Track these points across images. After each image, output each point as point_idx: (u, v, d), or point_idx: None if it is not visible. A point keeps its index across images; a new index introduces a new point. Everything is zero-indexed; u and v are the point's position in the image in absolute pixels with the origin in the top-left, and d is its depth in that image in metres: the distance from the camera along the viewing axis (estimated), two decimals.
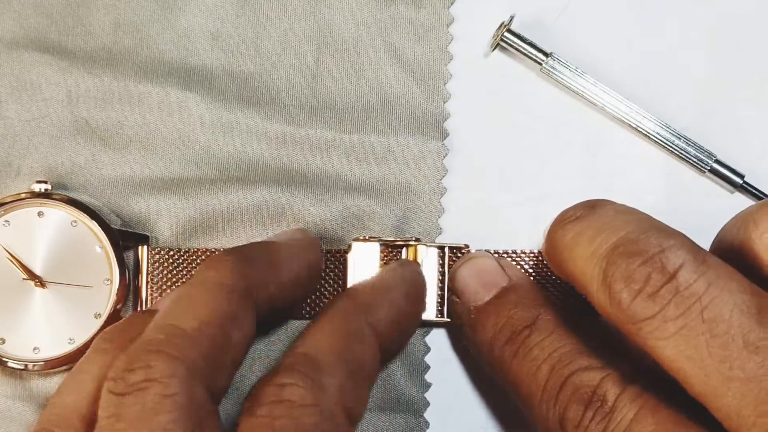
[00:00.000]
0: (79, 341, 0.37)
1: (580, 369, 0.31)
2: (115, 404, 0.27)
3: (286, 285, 0.33)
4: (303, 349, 0.30)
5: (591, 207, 0.32)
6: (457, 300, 0.36)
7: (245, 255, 0.32)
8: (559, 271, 0.34)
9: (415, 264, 0.36)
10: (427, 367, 0.38)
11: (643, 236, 0.29)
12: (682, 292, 0.27)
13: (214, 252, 0.38)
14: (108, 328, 0.33)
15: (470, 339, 0.36)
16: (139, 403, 0.26)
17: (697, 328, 0.27)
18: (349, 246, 0.37)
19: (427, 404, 0.38)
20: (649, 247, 0.28)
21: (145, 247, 0.38)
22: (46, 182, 0.37)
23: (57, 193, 0.37)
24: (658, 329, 0.28)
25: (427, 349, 0.38)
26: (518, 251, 0.38)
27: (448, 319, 0.37)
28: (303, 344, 0.30)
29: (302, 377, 0.28)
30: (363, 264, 0.37)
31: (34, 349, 0.37)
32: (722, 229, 0.33)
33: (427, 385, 0.38)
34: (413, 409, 0.38)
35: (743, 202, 0.38)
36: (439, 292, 0.37)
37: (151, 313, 0.32)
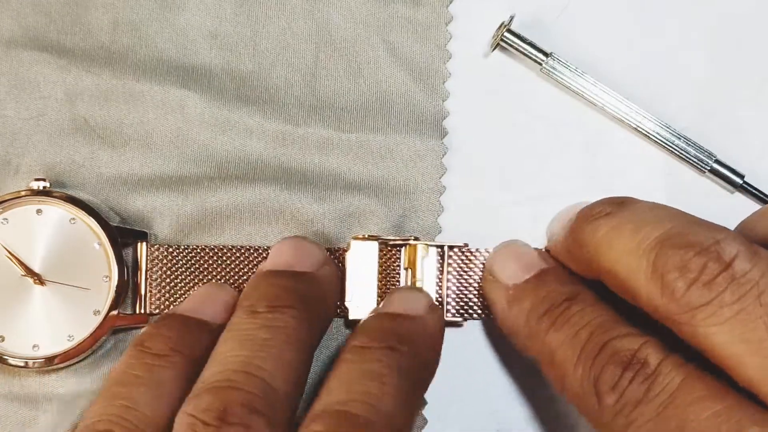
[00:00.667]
0: (79, 338, 0.37)
1: (621, 335, 0.31)
2: None
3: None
4: (377, 402, 0.29)
5: (620, 204, 0.32)
6: (492, 278, 0.36)
7: (308, 304, 0.33)
8: (589, 267, 0.33)
9: (441, 312, 0.36)
10: None
11: (692, 229, 0.29)
12: (738, 279, 0.28)
13: (213, 249, 0.38)
14: (160, 327, 0.34)
15: (503, 316, 0.35)
16: None
17: (755, 312, 0.27)
18: (348, 244, 0.37)
19: (425, 402, 0.38)
20: (702, 238, 0.29)
21: (144, 243, 0.38)
22: (44, 180, 0.37)
23: (56, 190, 0.37)
24: (713, 315, 0.28)
25: None
26: None
27: (447, 318, 0.37)
28: (380, 397, 0.30)
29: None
30: (362, 263, 0.37)
31: (34, 346, 0.37)
32: (743, 223, 0.34)
33: None
34: None
35: (743, 202, 0.38)
36: (438, 291, 0.37)
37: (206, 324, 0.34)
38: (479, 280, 0.38)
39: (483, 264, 0.38)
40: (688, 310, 0.28)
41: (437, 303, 0.35)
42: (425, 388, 0.33)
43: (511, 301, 0.35)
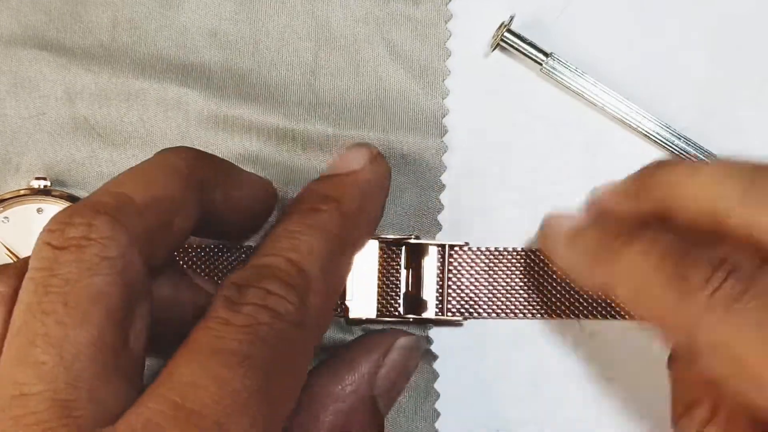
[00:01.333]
0: None
1: (703, 248, 0.28)
2: (50, 258, 0.25)
3: (239, 200, 0.32)
4: (295, 255, 0.28)
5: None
6: (547, 231, 0.36)
7: (207, 155, 0.31)
8: (661, 204, 0.31)
9: (385, 163, 0.34)
10: (436, 356, 0.38)
11: None
12: None
13: (214, 249, 0.38)
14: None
15: (562, 255, 0.34)
16: (75, 260, 0.25)
17: None
18: None
19: (438, 394, 0.38)
20: None
21: None
22: (45, 179, 0.37)
23: (56, 189, 0.37)
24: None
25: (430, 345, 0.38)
26: (519, 249, 0.38)
27: (448, 317, 0.37)
28: (295, 249, 0.28)
29: (293, 293, 0.27)
30: (362, 261, 0.37)
31: None
32: None
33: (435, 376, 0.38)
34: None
35: None
36: (439, 290, 0.37)
37: None
38: (480, 279, 0.38)
39: (484, 263, 0.38)
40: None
41: (380, 154, 0.33)
42: (357, 243, 0.32)
43: (572, 238, 0.33)
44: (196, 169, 0.30)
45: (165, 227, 0.28)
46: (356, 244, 0.31)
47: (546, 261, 0.37)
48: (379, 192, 0.33)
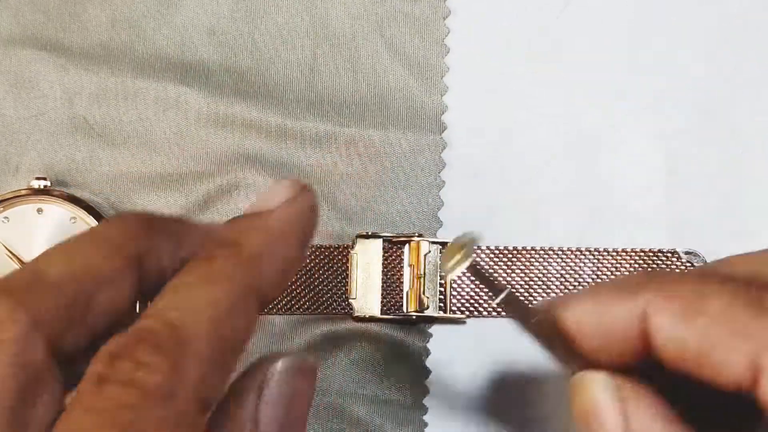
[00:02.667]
0: None
1: None
2: None
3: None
4: (175, 314, 0.24)
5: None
6: None
7: (155, 219, 0.27)
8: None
9: (311, 195, 0.29)
10: (428, 371, 0.38)
11: None
12: None
13: None
14: None
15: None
16: None
17: None
18: (354, 241, 0.38)
19: (425, 408, 0.38)
20: None
21: None
22: (45, 179, 0.37)
23: (56, 189, 0.37)
24: None
25: (427, 352, 0.38)
26: (519, 247, 0.38)
27: (451, 315, 0.38)
28: (177, 306, 0.25)
29: (165, 358, 0.23)
30: (366, 260, 0.37)
31: None
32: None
33: (427, 383, 0.38)
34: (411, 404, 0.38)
35: None
36: (442, 288, 0.38)
37: None
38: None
39: (485, 261, 0.38)
40: None
41: (306, 188, 0.28)
42: (268, 290, 0.27)
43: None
44: (134, 238, 0.26)
45: (82, 305, 0.25)
46: (266, 293, 0.27)
47: (547, 258, 0.37)
48: (295, 231, 0.28)
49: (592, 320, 0.28)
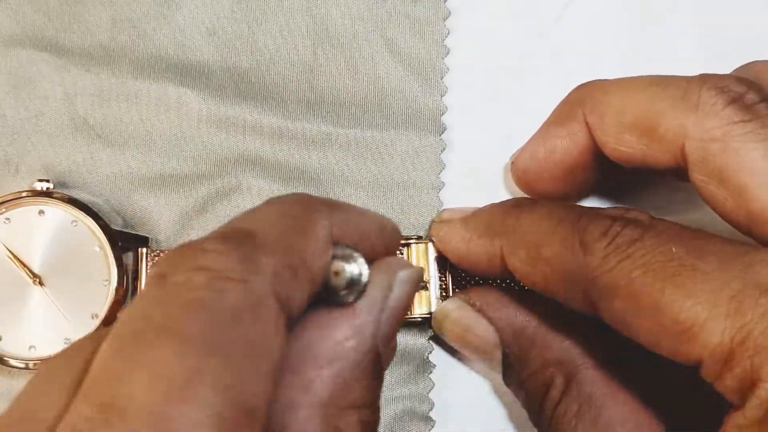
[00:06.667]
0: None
1: (596, 211, 0.30)
2: None
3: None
4: (242, 223, 0.24)
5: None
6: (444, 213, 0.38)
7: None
8: None
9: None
10: (433, 366, 0.38)
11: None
12: None
13: None
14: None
15: (459, 236, 0.35)
16: None
17: None
18: None
19: (432, 403, 0.38)
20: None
21: (145, 248, 0.37)
22: (48, 181, 0.37)
23: (58, 192, 0.37)
24: (752, 132, 0.28)
25: (431, 348, 0.38)
26: None
27: None
28: (242, 220, 0.25)
29: (233, 246, 0.23)
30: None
31: (30, 347, 0.36)
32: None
33: (432, 378, 0.38)
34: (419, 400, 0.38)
35: None
36: (442, 291, 0.37)
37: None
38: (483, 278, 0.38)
39: None
40: (726, 124, 0.28)
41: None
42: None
43: (472, 214, 0.35)
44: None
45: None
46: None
47: None
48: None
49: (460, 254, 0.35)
